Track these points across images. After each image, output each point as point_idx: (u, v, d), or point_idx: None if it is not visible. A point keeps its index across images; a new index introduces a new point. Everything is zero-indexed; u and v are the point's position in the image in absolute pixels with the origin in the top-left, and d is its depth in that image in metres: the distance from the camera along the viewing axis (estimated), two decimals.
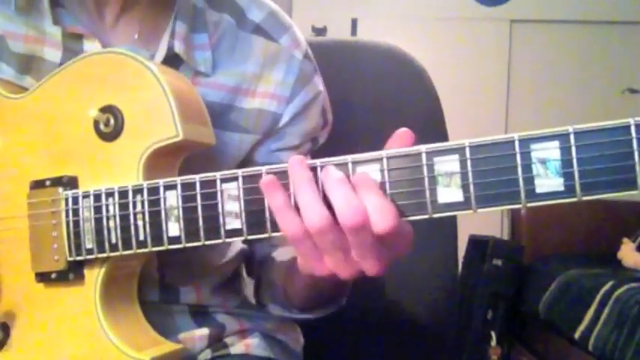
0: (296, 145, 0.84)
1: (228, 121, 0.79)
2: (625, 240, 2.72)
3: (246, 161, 0.82)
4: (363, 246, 0.54)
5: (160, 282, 0.79)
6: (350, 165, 0.55)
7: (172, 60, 0.76)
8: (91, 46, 0.75)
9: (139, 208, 0.64)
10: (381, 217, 0.52)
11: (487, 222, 3.17)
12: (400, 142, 0.55)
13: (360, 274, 0.57)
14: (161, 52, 0.76)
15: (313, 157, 0.87)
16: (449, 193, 0.52)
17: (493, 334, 2.66)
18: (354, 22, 3.52)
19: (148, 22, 0.78)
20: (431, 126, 1.08)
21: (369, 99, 1.09)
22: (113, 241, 0.65)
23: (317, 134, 0.87)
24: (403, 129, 0.56)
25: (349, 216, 0.52)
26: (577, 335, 2.30)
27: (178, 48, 0.75)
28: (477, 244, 2.77)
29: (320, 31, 3.33)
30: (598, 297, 2.26)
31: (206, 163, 0.74)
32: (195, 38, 0.78)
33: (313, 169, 0.56)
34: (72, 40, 0.75)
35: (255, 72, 0.80)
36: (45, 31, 0.75)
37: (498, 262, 2.69)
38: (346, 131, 0.93)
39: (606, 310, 2.20)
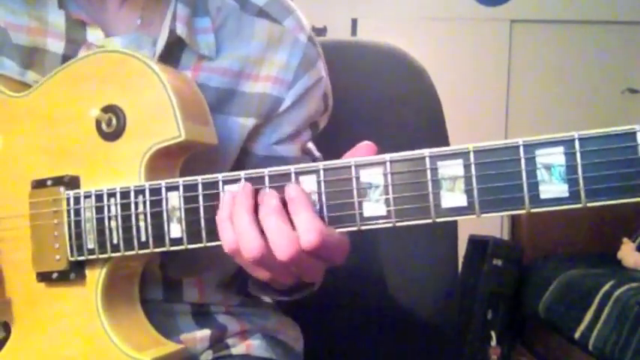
0: (295, 133, 0.83)
1: (231, 106, 0.78)
2: (625, 240, 2.72)
3: (245, 153, 0.81)
4: (297, 264, 0.58)
5: (162, 280, 0.79)
6: (353, 168, 0.55)
7: (175, 44, 0.75)
8: (94, 34, 0.75)
9: (140, 208, 0.64)
10: (307, 234, 0.54)
11: (487, 222, 3.16)
12: (365, 154, 0.57)
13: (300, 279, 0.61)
14: (163, 36, 0.75)
15: (315, 143, 0.87)
16: (452, 197, 0.52)
17: (493, 334, 2.67)
18: (354, 22, 3.51)
19: (150, 7, 0.78)
20: (431, 126, 1.08)
21: (369, 99, 1.08)
22: (115, 241, 0.65)
23: (317, 119, 0.86)
24: (366, 142, 0.58)
25: (282, 252, 0.55)
26: (577, 335, 2.30)
27: (181, 30, 0.75)
28: (477, 244, 2.77)
29: (320, 31, 3.32)
30: (598, 297, 2.26)
31: (210, 150, 0.74)
32: (197, 22, 0.77)
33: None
34: (75, 29, 0.75)
35: (258, 55, 0.79)
36: (47, 21, 0.75)
37: (498, 262, 2.69)
38: (346, 131, 0.93)
39: (606, 310, 2.20)
